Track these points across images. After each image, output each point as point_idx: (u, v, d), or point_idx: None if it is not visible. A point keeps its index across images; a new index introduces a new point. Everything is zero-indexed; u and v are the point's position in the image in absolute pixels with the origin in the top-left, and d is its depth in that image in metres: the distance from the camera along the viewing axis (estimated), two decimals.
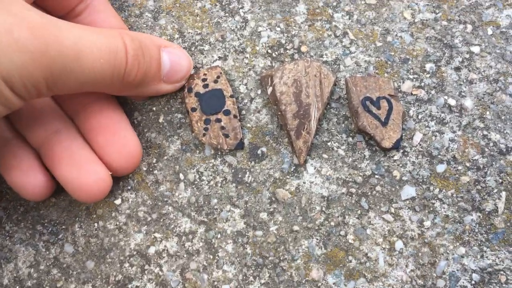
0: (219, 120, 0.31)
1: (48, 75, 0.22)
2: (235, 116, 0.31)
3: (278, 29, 0.34)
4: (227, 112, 0.31)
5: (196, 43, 0.34)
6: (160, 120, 0.32)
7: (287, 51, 0.34)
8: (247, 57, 0.33)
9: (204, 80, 0.32)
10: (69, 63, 0.22)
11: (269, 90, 0.31)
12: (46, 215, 0.29)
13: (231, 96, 0.31)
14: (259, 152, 0.31)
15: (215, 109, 0.31)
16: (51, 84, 0.22)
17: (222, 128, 0.31)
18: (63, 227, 0.29)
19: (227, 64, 0.33)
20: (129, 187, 0.30)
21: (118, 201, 0.30)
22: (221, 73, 0.32)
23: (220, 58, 0.33)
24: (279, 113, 0.31)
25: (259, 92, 0.32)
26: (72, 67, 0.22)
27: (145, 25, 0.34)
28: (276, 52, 0.33)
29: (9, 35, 0.20)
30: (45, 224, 0.29)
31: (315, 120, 0.30)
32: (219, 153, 0.31)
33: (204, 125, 0.31)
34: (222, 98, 0.31)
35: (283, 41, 0.34)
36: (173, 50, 0.29)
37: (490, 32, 0.34)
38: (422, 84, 0.32)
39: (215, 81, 0.32)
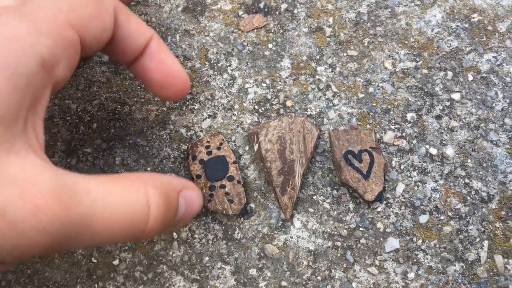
0: (223, 186, 0.32)
1: (45, 250, 0.19)
2: (238, 182, 0.32)
3: (264, 84, 0.36)
4: (231, 178, 0.32)
5: (187, 103, 0.36)
6: None
7: (273, 106, 0.35)
8: (235, 114, 0.35)
9: (207, 147, 0.33)
10: (77, 230, 0.19)
11: (256, 147, 0.33)
12: (51, 277, 0.32)
13: (234, 162, 0.33)
14: (248, 208, 0.32)
15: (220, 176, 0.32)
16: (53, 250, 0.20)
17: (227, 194, 0.32)
18: None
19: (216, 122, 0.35)
20: (126, 247, 0.32)
21: (116, 262, 0.31)
22: (223, 139, 0.33)
23: (209, 116, 0.35)
24: (265, 169, 0.32)
25: (246, 148, 0.34)
26: (81, 233, 0.20)
27: (139, 87, 0.36)
28: (263, 108, 0.35)
29: (2, 217, 0.17)
30: (50, 286, 0.31)
31: (300, 175, 0.31)
32: (210, 210, 0.32)
33: (209, 191, 0.32)
34: (226, 165, 0.33)
35: (269, 97, 0.35)
36: (189, 193, 0.26)
37: (470, 78, 0.34)
38: (404, 134, 0.33)
39: (218, 148, 0.33)
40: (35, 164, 0.19)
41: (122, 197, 0.21)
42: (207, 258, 0.31)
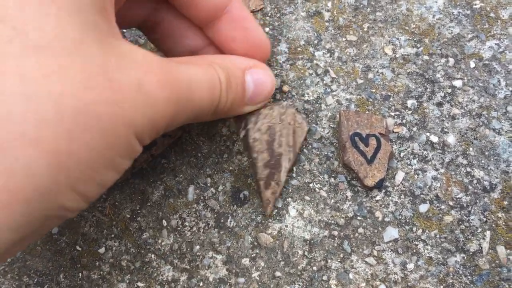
0: None
1: (171, 120, 0.22)
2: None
3: None
4: None
5: None
6: (143, 165, 0.32)
7: None
8: None
9: None
10: (185, 103, 0.22)
11: (242, 133, 0.30)
12: (32, 265, 0.30)
13: None
14: (241, 195, 0.31)
15: None
16: (169, 126, 0.22)
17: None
18: (49, 277, 0.29)
19: None
20: (113, 235, 0.30)
21: (102, 250, 0.30)
22: None
23: None
24: (250, 159, 0.30)
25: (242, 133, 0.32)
26: (187, 106, 0.23)
27: None
28: None
29: (139, 90, 0.20)
30: (31, 274, 0.30)
31: (286, 170, 0.30)
32: (202, 197, 0.31)
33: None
34: None
35: None
36: (256, 70, 0.28)
37: (472, 65, 0.33)
38: (404, 121, 0.32)
39: None
40: (131, 45, 0.21)
41: (202, 71, 0.24)
42: (197, 247, 0.30)
